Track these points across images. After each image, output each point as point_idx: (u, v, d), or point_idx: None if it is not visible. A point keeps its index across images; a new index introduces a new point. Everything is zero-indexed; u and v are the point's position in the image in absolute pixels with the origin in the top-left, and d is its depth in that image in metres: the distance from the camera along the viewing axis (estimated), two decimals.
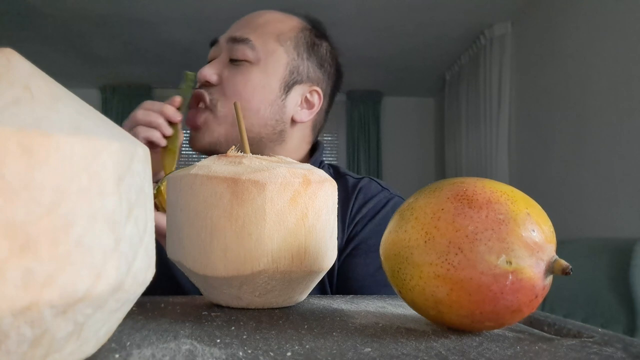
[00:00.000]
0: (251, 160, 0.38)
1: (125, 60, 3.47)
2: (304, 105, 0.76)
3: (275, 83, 0.72)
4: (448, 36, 3.04)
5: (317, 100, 0.77)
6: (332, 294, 0.69)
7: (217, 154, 0.71)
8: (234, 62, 0.72)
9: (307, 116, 0.76)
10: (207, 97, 0.71)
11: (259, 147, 0.73)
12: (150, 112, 0.67)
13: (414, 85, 3.99)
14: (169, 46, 3.16)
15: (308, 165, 0.40)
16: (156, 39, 3.06)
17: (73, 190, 0.18)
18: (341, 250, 0.70)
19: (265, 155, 0.72)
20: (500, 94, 2.81)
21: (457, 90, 3.44)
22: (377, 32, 2.98)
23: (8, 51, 0.21)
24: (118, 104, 3.99)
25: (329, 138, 4.24)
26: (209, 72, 0.72)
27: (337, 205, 0.41)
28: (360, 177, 0.78)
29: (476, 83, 3.08)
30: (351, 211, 0.72)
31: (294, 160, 0.41)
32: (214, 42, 0.76)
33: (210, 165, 0.37)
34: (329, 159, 4.18)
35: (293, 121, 0.75)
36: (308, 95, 0.76)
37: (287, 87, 0.73)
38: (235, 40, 0.72)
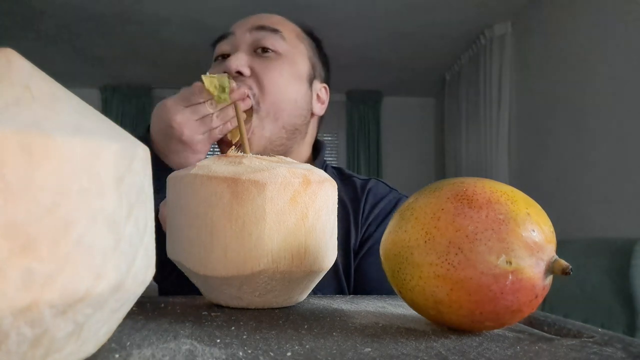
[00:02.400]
0: (251, 160, 0.38)
1: (125, 60, 3.47)
2: (317, 100, 0.78)
3: (304, 76, 0.74)
4: (448, 36, 3.04)
5: (326, 96, 0.80)
6: (349, 294, 0.69)
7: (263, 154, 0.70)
8: (261, 52, 0.70)
9: (322, 110, 0.79)
10: (247, 90, 0.67)
11: (291, 139, 0.72)
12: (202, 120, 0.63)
13: (414, 85, 3.99)
14: (169, 46, 3.16)
15: (308, 165, 0.40)
16: (156, 39, 3.06)
17: (73, 191, 0.18)
18: (356, 251, 0.71)
19: (291, 150, 0.73)
20: (500, 94, 2.81)
21: (457, 90, 3.44)
22: (377, 32, 2.98)
23: (8, 51, 0.21)
24: (118, 104, 3.99)
25: (329, 138, 4.24)
26: (240, 63, 0.68)
27: (337, 205, 0.41)
28: (367, 178, 0.79)
29: (476, 83, 3.08)
30: (363, 212, 0.73)
31: (294, 160, 0.41)
32: (224, 36, 0.73)
33: (210, 165, 0.37)
34: (329, 159, 4.18)
35: (312, 114, 0.77)
36: (319, 92, 0.79)
37: (310, 82, 0.75)
38: (264, 29, 0.70)
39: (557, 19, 2.35)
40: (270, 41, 0.70)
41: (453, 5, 2.62)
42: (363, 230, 0.72)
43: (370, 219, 0.72)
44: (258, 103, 0.68)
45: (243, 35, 0.71)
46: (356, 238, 0.71)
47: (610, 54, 1.95)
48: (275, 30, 0.70)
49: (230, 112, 0.64)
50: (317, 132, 0.83)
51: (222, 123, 0.64)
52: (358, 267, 0.70)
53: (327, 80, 0.82)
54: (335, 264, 0.68)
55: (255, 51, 0.70)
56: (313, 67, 0.76)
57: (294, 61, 0.72)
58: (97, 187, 0.19)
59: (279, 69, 0.70)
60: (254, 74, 0.69)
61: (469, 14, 2.73)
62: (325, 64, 0.81)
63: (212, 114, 0.63)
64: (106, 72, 3.71)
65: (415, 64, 3.50)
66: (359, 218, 0.72)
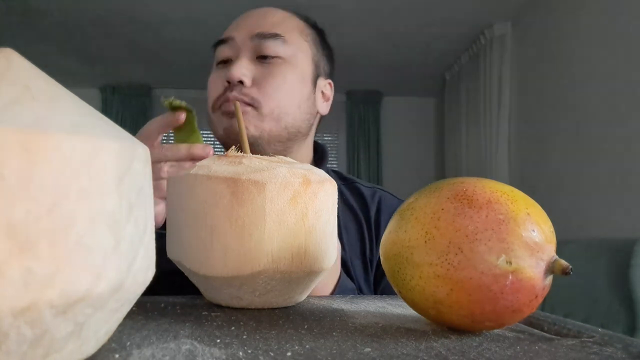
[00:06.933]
0: (251, 160, 0.38)
1: (125, 60, 3.47)
2: (322, 98, 0.77)
3: (307, 77, 0.72)
4: (448, 36, 3.04)
5: (331, 92, 0.79)
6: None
7: (257, 149, 0.68)
8: (263, 59, 0.69)
9: (327, 108, 0.78)
10: (247, 99, 0.67)
11: (292, 140, 0.71)
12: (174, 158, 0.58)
13: (414, 85, 3.99)
14: (169, 46, 3.16)
15: (308, 166, 0.40)
16: (156, 39, 3.06)
17: (73, 190, 0.18)
18: (377, 271, 0.70)
19: (291, 150, 0.72)
20: (500, 94, 2.81)
21: (457, 90, 3.44)
22: (377, 32, 2.98)
23: (8, 51, 0.21)
24: (118, 104, 4.00)
25: (329, 138, 4.23)
26: (242, 73, 0.66)
27: (337, 206, 0.41)
28: (370, 185, 0.79)
29: (476, 83, 3.08)
30: (378, 223, 0.73)
31: (294, 160, 0.41)
32: (223, 41, 0.71)
33: (210, 165, 0.37)
34: (329, 159, 4.17)
35: (317, 113, 0.77)
36: (324, 89, 0.77)
37: (314, 82, 0.74)
38: (263, 37, 0.68)
39: (557, 19, 2.35)
40: (272, 48, 0.68)
41: (453, 5, 2.62)
42: None
43: None
44: (260, 103, 0.67)
45: (244, 41, 0.69)
46: (371, 249, 0.71)
47: (610, 53, 1.95)
48: (275, 36, 0.69)
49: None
50: (316, 131, 0.82)
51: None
52: (385, 288, 0.70)
53: (331, 73, 0.79)
54: (351, 278, 0.68)
55: (257, 58, 0.69)
56: (317, 65, 0.75)
57: (297, 64, 0.70)
58: (97, 187, 0.19)
59: (282, 74, 0.68)
60: (255, 83, 0.68)
61: (468, 14, 2.73)
62: (330, 57, 0.79)
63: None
64: (106, 72, 3.71)
65: (415, 64, 3.49)
66: (373, 229, 0.72)
